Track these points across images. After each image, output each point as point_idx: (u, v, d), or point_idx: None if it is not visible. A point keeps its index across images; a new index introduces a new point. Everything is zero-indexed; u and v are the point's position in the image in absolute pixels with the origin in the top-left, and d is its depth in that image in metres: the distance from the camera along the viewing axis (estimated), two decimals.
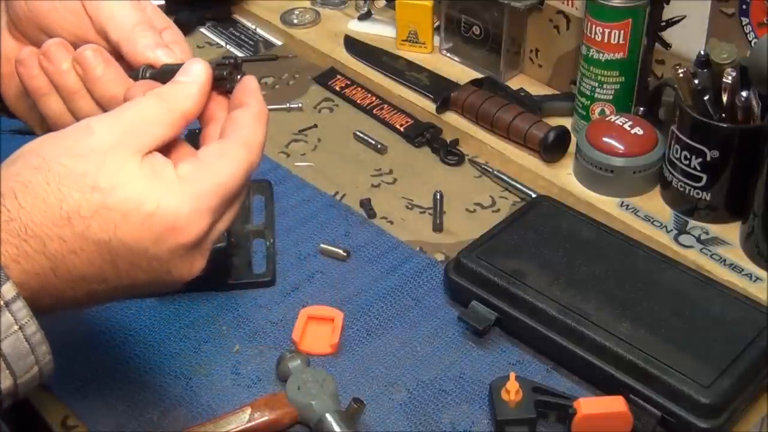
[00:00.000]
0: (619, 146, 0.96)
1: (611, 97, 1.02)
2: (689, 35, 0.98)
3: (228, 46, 1.28)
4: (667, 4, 0.99)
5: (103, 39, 0.66)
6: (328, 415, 0.73)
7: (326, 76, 1.21)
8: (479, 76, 1.15)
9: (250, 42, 1.29)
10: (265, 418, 0.74)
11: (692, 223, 0.94)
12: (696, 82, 0.89)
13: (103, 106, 0.63)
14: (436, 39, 1.22)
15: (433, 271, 0.91)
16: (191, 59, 0.61)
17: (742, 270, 0.88)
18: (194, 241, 0.56)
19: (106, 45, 0.65)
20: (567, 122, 1.06)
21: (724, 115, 0.89)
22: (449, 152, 1.07)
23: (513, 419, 0.74)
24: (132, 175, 0.54)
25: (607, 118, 1.00)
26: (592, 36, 0.99)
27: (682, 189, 0.93)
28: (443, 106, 1.10)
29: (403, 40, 1.23)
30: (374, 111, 1.14)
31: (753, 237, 0.89)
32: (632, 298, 0.81)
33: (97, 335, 0.83)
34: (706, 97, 0.90)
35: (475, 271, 0.85)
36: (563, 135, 1.02)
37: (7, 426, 0.70)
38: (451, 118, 1.10)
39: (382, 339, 0.84)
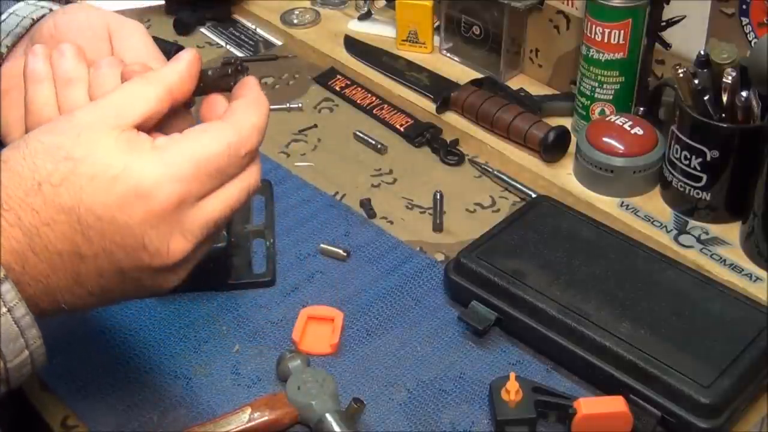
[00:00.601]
0: (619, 146, 0.96)
1: (611, 97, 1.02)
2: (689, 35, 0.98)
3: (228, 46, 1.28)
4: (667, 4, 0.99)
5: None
6: (328, 415, 0.73)
7: (326, 76, 1.21)
8: (479, 76, 1.15)
9: (250, 42, 1.29)
10: (265, 418, 0.74)
11: (692, 223, 0.94)
12: (696, 82, 0.89)
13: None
14: (436, 39, 1.22)
15: (433, 271, 0.91)
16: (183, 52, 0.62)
17: (742, 270, 0.88)
18: (164, 209, 0.54)
19: None
20: (567, 122, 1.07)
21: (724, 115, 0.89)
22: (449, 152, 1.07)
23: (513, 419, 0.74)
24: (106, 145, 0.54)
25: (607, 118, 1.00)
26: (592, 36, 0.99)
27: (682, 189, 0.93)
28: (443, 106, 1.10)
29: (403, 40, 1.23)
30: (374, 111, 1.14)
31: (753, 237, 0.89)
32: (632, 298, 0.81)
33: (97, 335, 0.83)
34: (706, 97, 0.90)
35: (475, 271, 0.85)
36: (563, 135, 1.02)
37: (8, 426, 0.70)
38: (451, 118, 1.10)
39: (382, 339, 0.84)
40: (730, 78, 0.86)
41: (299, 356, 0.79)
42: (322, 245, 0.93)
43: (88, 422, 0.76)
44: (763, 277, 0.87)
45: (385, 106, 1.14)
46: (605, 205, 0.97)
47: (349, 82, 1.19)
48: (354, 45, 1.24)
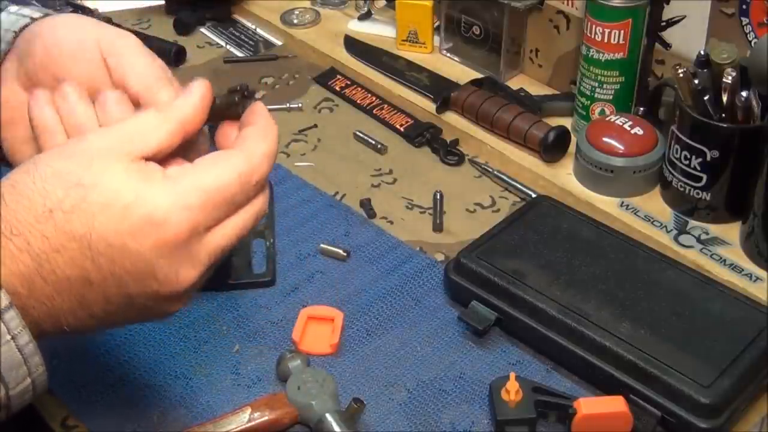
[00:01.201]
0: (619, 146, 0.96)
1: (611, 97, 1.02)
2: (689, 35, 0.98)
3: (228, 46, 1.28)
4: (667, 4, 0.99)
5: (120, 90, 0.64)
6: (328, 415, 0.73)
7: (326, 76, 1.21)
8: (479, 76, 1.15)
9: (250, 42, 1.29)
10: (265, 418, 0.74)
11: (692, 223, 0.94)
12: (696, 82, 0.89)
13: None
14: (436, 39, 1.22)
15: (433, 271, 0.91)
16: (194, 84, 0.61)
17: (742, 270, 0.88)
18: (176, 240, 0.55)
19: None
20: (567, 122, 1.07)
21: (724, 115, 0.89)
22: (449, 152, 1.07)
23: (513, 419, 0.74)
24: (117, 174, 0.54)
25: (607, 118, 1.00)
26: (592, 36, 0.99)
27: (682, 189, 0.93)
28: (443, 106, 1.10)
29: (403, 40, 1.23)
30: (374, 111, 1.14)
31: (753, 237, 0.89)
32: (632, 298, 0.81)
33: (97, 335, 0.83)
34: (706, 97, 0.90)
35: (475, 271, 0.85)
36: (563, 135, 1.02)
37: (8, 426, 0.70)
38: (451, 118, 1.10)
39: (382, 339, 0.84)
40: (730, 78, 0.86)
41: (299, 356, 0.79)
42: (322, 245, 0.93)
43: (88, 422, 0.76)
44: (763, 277, 0.87)
45: (385, 106, 1.14)
46: (605, 205, 0.97)
47: (349, 82, 1.19)
48: (354, 45, 1.24)
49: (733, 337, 0.78)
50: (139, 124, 0.57)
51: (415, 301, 0.88)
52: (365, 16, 1.29)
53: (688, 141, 0.90)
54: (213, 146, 0.64)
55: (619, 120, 0.98)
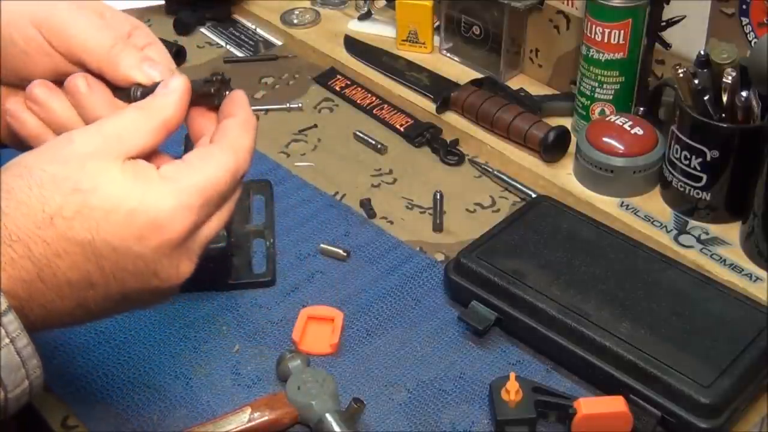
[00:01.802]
0: (619, 146, 0.96)
1: (611, 97, 1.02)
2: (689, 35, 0.98)
3: (228, 46, 1.28)
4: (667, 4, 0.99)
5: (82, 69, 0.63)
6: (328, 415, 0.73)
7: (326, 76, 1.21)
8: (479, 76, 1.15)
9: (250, 42, 1.29)
10: (265, 418, 0.74)
11: (692, 223, 0.94)
12: (696, 82, 0.89)
13: None
14: (436, 39, 1.22)
15: (433, 271, 0.91)
16: (172, 77, 0.61)
17: (742, 270, 0.88)
18: (178, 239, 0.56)
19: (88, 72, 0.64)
20: (567, 122, 1.07)
21: (724, 115, 0.89)
22: (449, 152, 1.07)
23: (513, 419, 0.74)
24: (113, 176, 0.54)
25: (607, 118, 1.00)
26: (592, 36, 0.99)
27: (682, 189, 0.93)
28: (443, 106, 1.10)
29: (403, 40, 1.23)
30: (374, 111, 1.14)
31: (753, 237, 0.89)
32: (632, 298, 0.81)
33: (97, 335, 0.83)
34: (706, 97, 0.90)
35: (475, 271, 0.85)
36: (563, 135, 1.02)
37: (8, 426, 0.70)
38: (451, 118, 1.10)
39: (382, 339, 0.84)
40: (730, 78, 0.86)
41: (299, 356, 0.79)
42: (322, 245, 0.93)
43: (88, 422, 0.76)
44: (763, 277, 0.87)
45: (385, 106, 1.14)
46: (605, 205, 0.97)
47: (349, 82, 1.19)
48: (354, 45, 1.24)
49: (733, 337, 0.78)
50: (123, 123, 0.57)
51: (415, 301, 0.88)
52: (365, 16, 1.29)
53: (688, 141, 0.90)
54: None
55: (619, 120, 0.98)
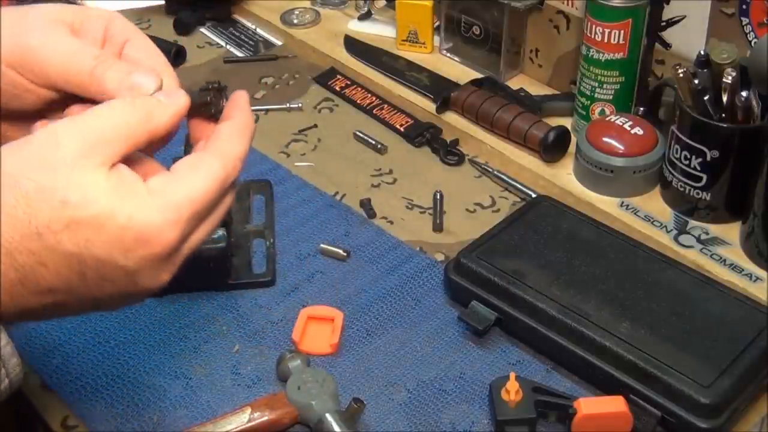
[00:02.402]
0: (619, 146, 0.96)
1: (611, 97, 1.02)
2: (689, 35, 0.98)
3: (228, 46, 1.28)
4: (667, 4, 0.99)
5: (61, 93, 0.60)
6: (328, 415, 0.73)
7: (326, 76, 1.21)
8: (479, 76, 1.15)
9: (250, 42, 1.29)
10: (265, 418, 0.74)
11: (692, 223, 0.94)
12: (696, 82, 0.89)
13: None
14: (436, 39, 1.22)
15: (433, 271, 0.91)
16: (175, 90, 0.59)
17: (742, 270, 0.88)
18: (163, 253, 0.55)
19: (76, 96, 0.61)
20: (567, 122, 1.07)
21: (724, 115, 0.89)
22: (449, 152, 1.07)
23: (513, 419, 0.74)
24: (101, 188, 0.53)
25: (607, 118, 1.00)
26: (592, 36, 0.99)
27: (682, 189, 0.93)
28: (443, 106, 1.10)
29: (403, 40, 1.23)
30: (374, 111, 1.14)
31: (753, 237, 0.89)
32: (632, 298, 0.81)
33: (97, 335, 0.83)
34: (706, 97, 0.90)
35: (475, 271, 0.85)
36: (563, 135, 1.02)
37: (8, 426, 0.70)
38: (451, 118, 1.10)
39: (382, 339, 0.84)
40: (730, 78, 0.86)
41: (299, 356, 0.79)
42: (322, 245, 0.93)
43: (88, 422, 0.76)
44: (763, 277, 0.87)
45: (385, 106, 1.14)
46: (605, 205, 0.97)
47: (349, 82, 1.19)
48: (354, 45, 1.24)
49: (733, 337, 0.78)
50: (113, 123, 0.55)
51: (415, 301, 0.88)
52: (365, 16, 1.29)
53: (688, 141, 0.90)
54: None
55: (619, 120, 0.98)
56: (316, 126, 1.12)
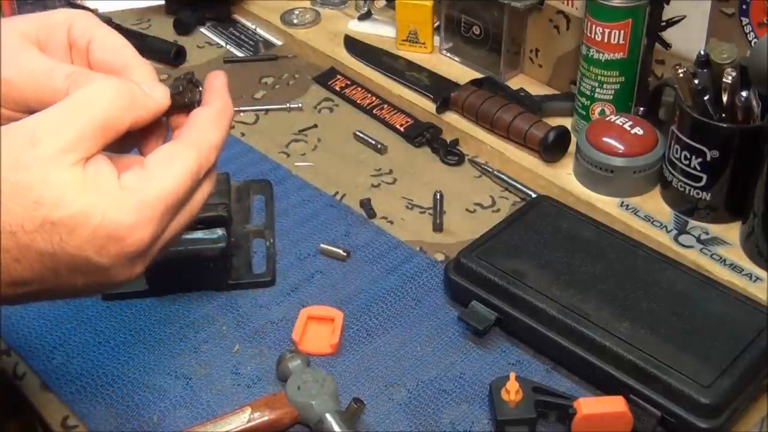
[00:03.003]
0: (619, 146, 0.96)
1: (611, 97, 1.02)
2: (689, 35, 0.98)
3: (228, 46, 1.28)
4: (667, 4, 0.99)
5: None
6: (328, 415, 0.73)
7: (326, 76, 1.21)
8: (479, 76, 1.15)
9: (250, 42, 1.29)
10: (265, 418, 0.74)
11: (692, 223, 0.94)
12: (696, 82, 0.89)
13: None
14: (436, 39, 1.22)
15: (433, 271, 0.91)
16: (157, 85, 0.58)
17: (742, 270, 0.88)
18: (137, 250, 0.55)
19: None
20: (567, 122, 1.07)
21: (724, 115, 0.89)
22: (449, 152, 1.07)
23: (513, 419, 0.74)
24: (76, 187, 0.53)
25: (607, 118, 1.00)
26: (592, 36, 0.99)
27: (682, 189, 0.93)
28: (443, 106, 1.10)
29: (403, 40, 1.23)
30: (374, 111, 1.14)
31: (753, 237, 0.89)
32: (632, 298, 0.81)
33: (97, 335, 0.84)
34: (706, 97, 0.90)
35: (475, 271, 0.85)
36: (563, 135, 1.02)
37: (8, 426, 0.70)
38: (451, 118, 1.10)
39: (382, 339, 0.84)
40: (730, 78, 0.86)
41: (299, 356, 0.79)
42: (322, 245, 0.93)
43: (88, 422, 0.76)
44: (763, 277, 0.87)
45: (385, 106, 1.14)
46: (605, 205, 0.97)
47: (349, 82, 1.19)
48: (354, 45, 1.24)
49: (733, 337, 0.78)
50: (92, 113, 0.54)
51: (415, 301, 0.88)
52: (365, 16, 1.29)
53: (688, 141, 0.90)
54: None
55: (619, 120, 0.98)
56: (316, 126, 1.12)
